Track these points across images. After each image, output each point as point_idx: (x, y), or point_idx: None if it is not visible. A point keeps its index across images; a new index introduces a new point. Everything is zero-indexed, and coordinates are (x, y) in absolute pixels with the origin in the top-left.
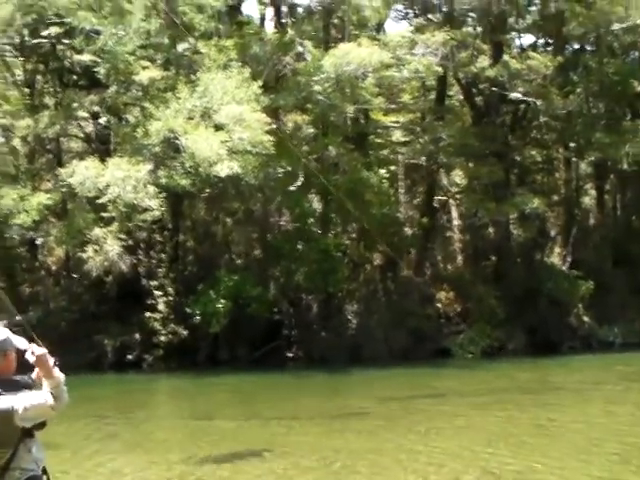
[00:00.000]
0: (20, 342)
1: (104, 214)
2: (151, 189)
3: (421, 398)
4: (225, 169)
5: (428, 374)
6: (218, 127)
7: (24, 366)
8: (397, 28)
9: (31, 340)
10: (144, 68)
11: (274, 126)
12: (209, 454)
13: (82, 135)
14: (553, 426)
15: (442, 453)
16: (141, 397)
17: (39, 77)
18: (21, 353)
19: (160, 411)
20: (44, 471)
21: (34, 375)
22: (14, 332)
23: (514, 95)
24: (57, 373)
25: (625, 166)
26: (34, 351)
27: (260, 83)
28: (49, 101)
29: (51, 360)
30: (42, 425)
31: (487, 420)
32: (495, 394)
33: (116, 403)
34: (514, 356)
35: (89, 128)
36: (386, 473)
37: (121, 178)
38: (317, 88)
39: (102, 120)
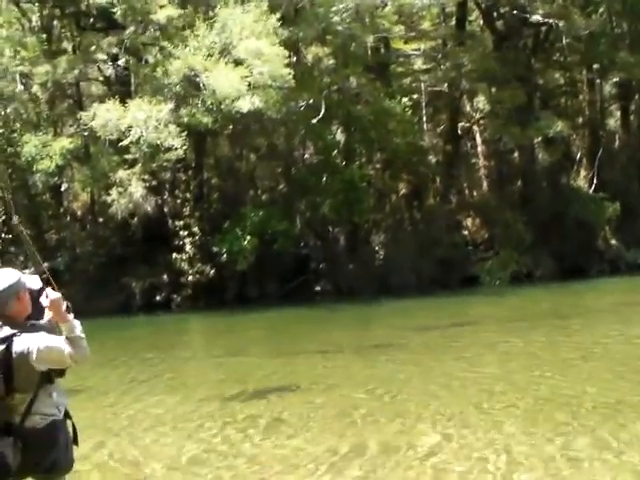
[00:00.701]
0: (34, 282)
1: (127, 156)
2: (173, 128)
3: (458, 326)
4: (247, 104)
5: (459, 302)
6: (238, 63)
7: (40, 309)
8: None
9: (48, 284)
10: (161, 7)
11: (294, 59)
12: (255, 390)
13: (102, 78)
14: (597, 348)
15: (491, 379)
16: (175, 337)
17: (56, 22)
18: (35, 294)
19: (196, 350)
20: (67, 415)
21: (49, 318)
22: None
23: (535, 17)
24: (71, 317)
25: None
26: (48, 294)
27: (278, 16)
28: (67, 46)
29: (64, 304)
30: (62, 373)
31: (530, 345)
32: (532, 319)
33: (152, 344)
34: (543, 281)
35: (108, 71)
36: (438, 400)
37: (143, 119)
38: (336, 19)
39: (121, 62)
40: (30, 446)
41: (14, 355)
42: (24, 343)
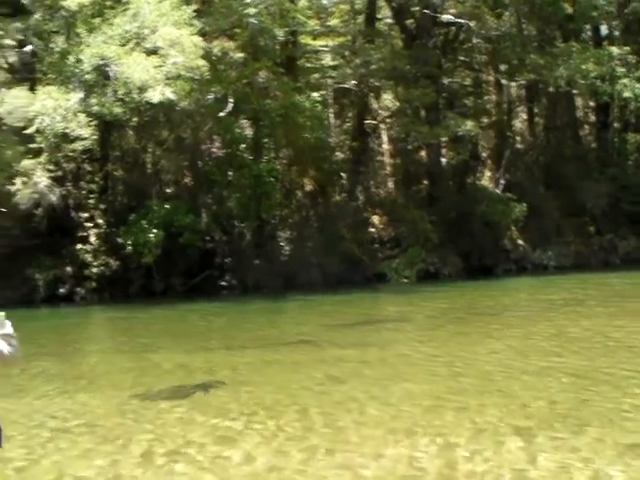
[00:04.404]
0: None
1: (32, 145)
2: (82, 118)
3: (364, 324)
4: (157, 95)
5: (367, 299)
6: (150, 52)
7: None
8: None
9: None
10: None
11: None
12: (163, 387)
13: (6, 65)
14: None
15: (415, 379)
16: (79, 331)
17: None
18: None
19: (100, 345)
20: None
21: None
22: None
23: (446, 17)
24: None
25: (555, 88)
26: None
27: (194, 6)
28: None
29: None
30: None
31: (448, 345)
32: (443, 317)
33: (56, 338)
34: (450, 280)
35: (13, 58)
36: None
37: (52, 107)
38: (250, 11)
39: (28, 48)
40: None
41: None
42: None
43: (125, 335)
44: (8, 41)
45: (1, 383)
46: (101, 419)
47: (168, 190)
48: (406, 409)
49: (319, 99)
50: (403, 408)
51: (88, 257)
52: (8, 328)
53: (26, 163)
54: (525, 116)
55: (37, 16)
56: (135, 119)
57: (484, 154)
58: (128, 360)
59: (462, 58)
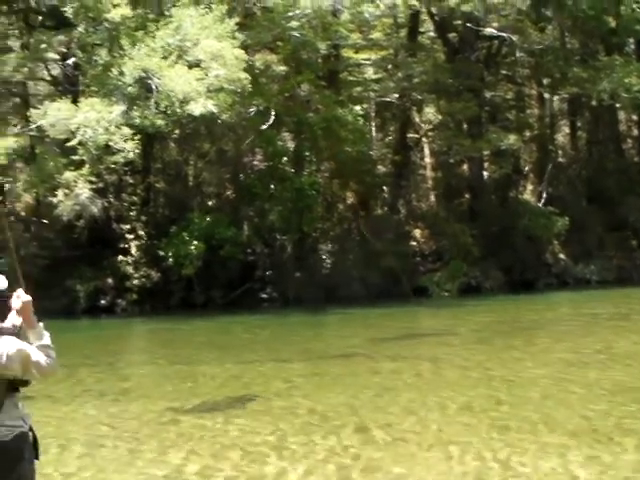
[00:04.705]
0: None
1: (74, 157)
2: (125, 130)
3: (418, 337)
4: (199, 108)
5: (409, 313)
6: (192, 65)
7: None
8: None
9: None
10: (115, 6)
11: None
12: (219, 399)
13: (48, 77)
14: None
15: (470, 392)
16: (119, 343)
17: (3, 19)
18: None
19: (146, 356)
20: (30, 428)
21: (17, 322)
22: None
23: (489, 30)
24: (40, 325)
25: (598, 102)
26: (20, 296)
27: (237, 20)
28: (14, 43)
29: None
30: (26, 382)
31: (499, 358)
32: (489, 330)
33: (100, 349)
34: (491, 294)
35: (55, 70)
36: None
37: (95, 119)
38: (294, 24)
39: (71, 61)
40: None
41: None
42: None
43: (170, 347)
44: (51, 54)
45: (54, 391)
46: (159, 430)
47: (209, 202)
48: (466, 422)
49: (361, 112)
50: (463, 421)
51: (129, 269)
52: (46, 339)
53: (68, 175)
54: (567, 130)
55: (80, 29)
56: (177, 131)
57: (526, 168)
58: (178, 371)
59: (504, 72)
